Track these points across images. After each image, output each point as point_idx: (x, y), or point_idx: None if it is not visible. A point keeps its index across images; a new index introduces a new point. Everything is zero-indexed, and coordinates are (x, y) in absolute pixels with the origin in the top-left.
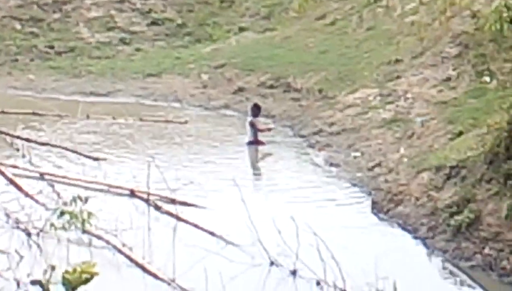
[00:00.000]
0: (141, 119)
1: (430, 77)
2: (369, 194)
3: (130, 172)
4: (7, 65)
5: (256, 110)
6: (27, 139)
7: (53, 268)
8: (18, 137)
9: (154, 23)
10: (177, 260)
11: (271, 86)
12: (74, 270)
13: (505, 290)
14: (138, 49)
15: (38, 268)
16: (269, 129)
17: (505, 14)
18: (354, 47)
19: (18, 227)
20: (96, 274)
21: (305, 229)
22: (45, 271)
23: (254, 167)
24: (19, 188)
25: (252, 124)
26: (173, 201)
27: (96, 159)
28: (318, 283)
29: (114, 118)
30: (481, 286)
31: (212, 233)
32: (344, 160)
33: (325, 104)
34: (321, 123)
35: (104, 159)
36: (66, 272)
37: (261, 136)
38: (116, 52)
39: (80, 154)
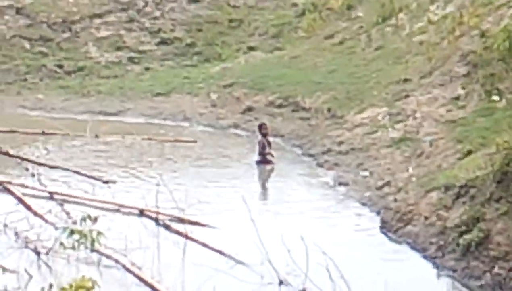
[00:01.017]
0: (150, 139)
1: (439, 96)
2: (378, 213)
3: (139, 191)
4: (16, 85)
5: (264, 129)
6: (38, 163)
7: (51, 285)
8: (28, 160)
9: (163, 42)
10: (186, 279)
11: (280, 106)
12: (71, 286)
13: None
14: (147, 69)
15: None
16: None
17: None
18: (362, 66)
19: (27, 246)
20: (92, 288)
21: (315, 248)
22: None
23: (263, 186)
24: (28, 207)
25: (259, 144)
26: (182, 220)
27: (106, 182)
28: None
29: (123, 137)
30: None
31: (221, 252)
32: (353, 179)
33: (334, 123)
34: (329, 142)
35: (114, 182)
36: (63, 288)
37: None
38: (125, 71)
39: (89, 177)
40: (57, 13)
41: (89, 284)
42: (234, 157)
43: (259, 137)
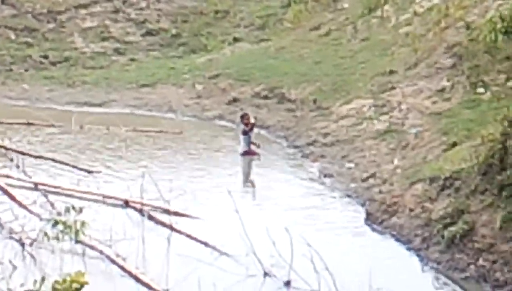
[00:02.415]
0: (135, 130)
1: (424, 88)
2: (363, 204)
3: (124, 182)
4: (2, 75)
5: (245, 119)
6: (21, 152)
7: (43, 278)
8: (12, 150)
9: (148, 33)
10: (171, 271)
11: (266, 97)
12: (64, 280)
13: None
14: (132, 60)
15: (31, 278)
16: (256, 154)
17: (499, 25)
18: (348, 58)
19: (11, 237)
20: (86, 283)
21: (299, 240)
22: (35, 282)
23: (248, 177)
24: (13, 198)
25: (245, 133)
26: (166, 211)
27: (90, 172)
28: None
29: (108, 128)
30: None
31: (205, 244)
32: (338, 170)
33: (320, 115)
34: (315, 134)
35: (99, 172)
36: (56, 282)
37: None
38: (110, 62)
39: (74, 167)
40: (42, 4)
41: (83, 279)
42: (219, 148)
43: (241, 127)
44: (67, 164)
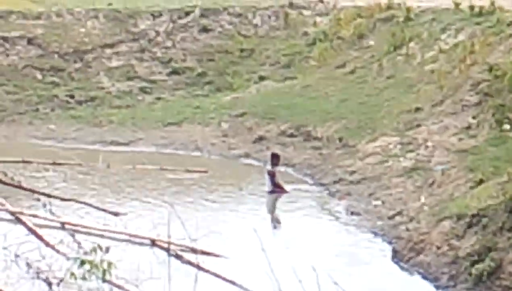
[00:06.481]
0: (161, 169)
1: (450, 125)
2: (390, 242)
3: (150, 221)
4: (28, 115)
5: (275, 159)
6: (49, 195)
7: None
8: (41, 193)
9: (174, 72)
10: None
11: (292, 135)
12: None
13: None
14: (158, 98)
15: None
16: (285, 191)
17: None
18: (374, 95)
19: (39, 277)
20: None
21: (326, 279)
22: None
23: (275, 215)
24: (40, 238)
25: (271, 174)
26: (193, 250)
27: (116, 214)
28: None
29: (134, 167)
30: None
31: (233, 282)
32: (364, 208)
33: (346, 152)
34: (341, 172)
35: (125, 214)
36: None
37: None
38: (136, 101)
39: (101, 209)
40: (69, 43)
41: None
42: (246, 187)
43: (269, 167)
44: (93, 206)
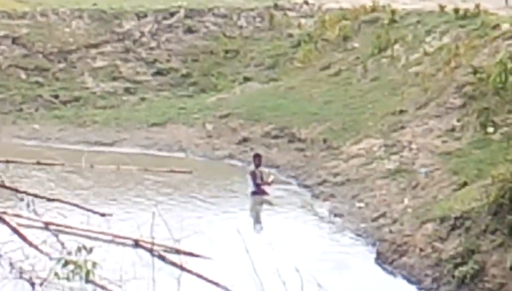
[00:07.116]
0: (145, 169)
1: (434, 127)
2: (374, 244)
3: (134, 222)
4: (12, 115)
5: (257, 160)
6: (35, 195)
7: None
8: (25, 192)
9: (159, 73)
10: None
11: (276, 137)
12: None
13: None
14: (143, 99)
15: None
16: (269, 184)
17: (510, 65)
18: (358, 97)
19: (22, 277)
20: None
21: (310, 280)
22: None
23: (258, 217)
24: (23, 238)
25: (253, 175)
26: (177, 251)
27: (102, 215)
28: None
29: (118, 168)
30: None
31: (216, 284)
32: (348, 210)
33: (330, 154)
34: (325, 173)
35: (110, 215)
36: None
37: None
38: (121, 101)
39: (86, 209)
40: (53, 43)
41: None
42: (230, 188)
43: (252, 167)
44: (80, 207)
